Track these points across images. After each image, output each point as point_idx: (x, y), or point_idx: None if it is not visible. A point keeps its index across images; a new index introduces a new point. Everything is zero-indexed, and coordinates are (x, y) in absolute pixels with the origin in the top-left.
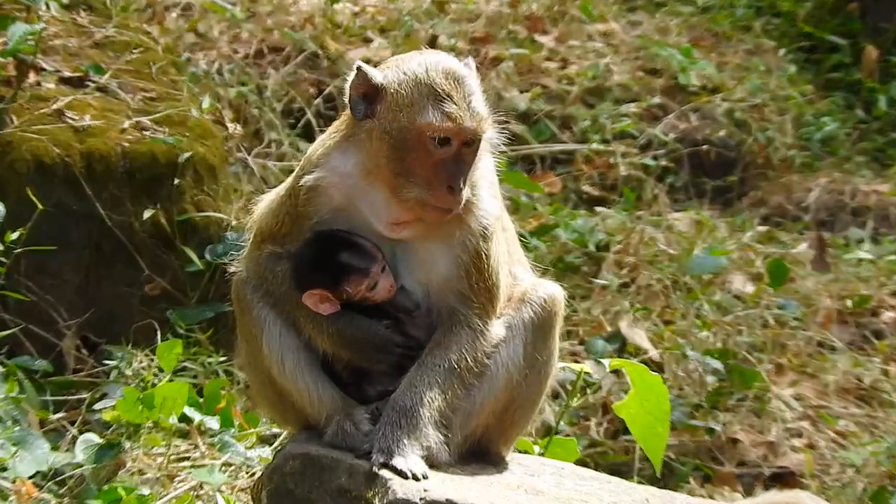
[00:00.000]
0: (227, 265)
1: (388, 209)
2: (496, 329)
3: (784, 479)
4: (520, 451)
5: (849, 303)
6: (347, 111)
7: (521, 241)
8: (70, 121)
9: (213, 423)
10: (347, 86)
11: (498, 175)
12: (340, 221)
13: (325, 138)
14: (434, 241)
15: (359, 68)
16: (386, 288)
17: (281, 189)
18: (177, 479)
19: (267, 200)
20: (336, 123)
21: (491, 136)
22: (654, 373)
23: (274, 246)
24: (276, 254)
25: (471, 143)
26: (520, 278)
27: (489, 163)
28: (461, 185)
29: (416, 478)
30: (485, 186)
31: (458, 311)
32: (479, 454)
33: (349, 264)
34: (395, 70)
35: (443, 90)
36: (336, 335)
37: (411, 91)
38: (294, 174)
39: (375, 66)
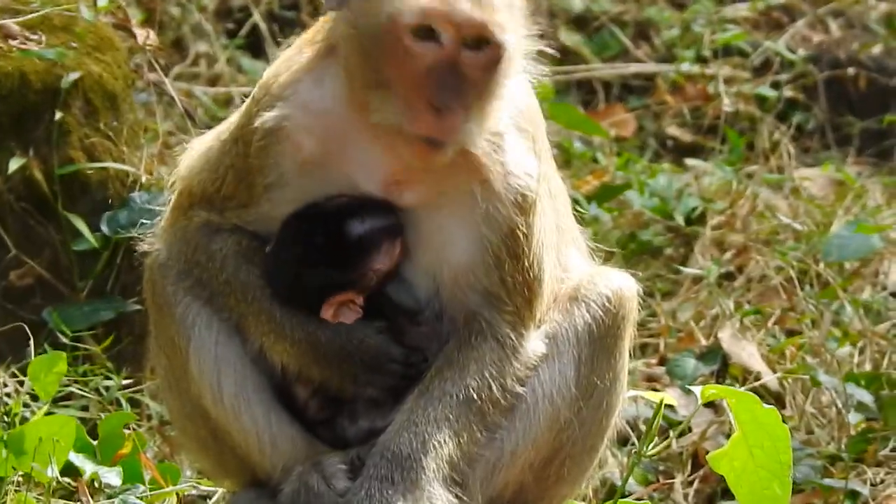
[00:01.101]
0: (134, 242)
1: (384, 162)
2: (535, 342)
3: None
4: None
5: None
6: (326, 15)
7: (574, 210)
8: None
9: (112, 476)
10: None
11: (541, 111)
12: (311, 180)
13: (291, 57)
14: (449, 211)
15: None
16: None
17: (222, 131)
18: None
19: (200, 148)
20: (308, 33)
21: (521, 44)
22: (769, 407)
23: (210, 213)
24: (211, 224)
25: (477, 44)
26: (571, 266)
27: (525, 93)
28: (449, 104)
29: None
30: (514, 128)
31: (481, 315)
32: None
33: (375, 229)
34: None
35: None
36: (304, 343)
37: None
38: (243, 110)
39: None
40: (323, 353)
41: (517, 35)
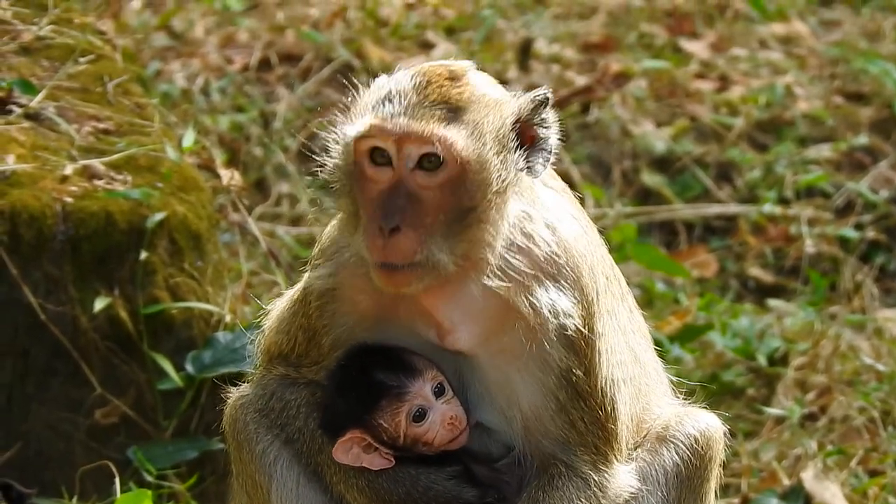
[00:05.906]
0: (220, 384)
1: (428, 307)
2: (621, 479)
3: None
4: None
5: None
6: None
7: (655, 350)
8: None
9: None
10: None
11: (602, 233)
12: (373, 335)
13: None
14: (507, 356)
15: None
16: (445, 422)
17: (294, 292)
18: None
19: (277, 309)
20: None
21: (499, 164)
22: None
23: (287, 369)
24: (288, 378)
25: (431, 164)
26: (655, 402)
27: (561, 222)
28: (397, 226)
29: None
30: (540, 270)
31: (560, 458)
32: None
33: (380, 382)
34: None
35: (389, 91)
36: (369, 491)
37: (360, 100)
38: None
39: None
40: (387, 500)
41: (485, 154)
